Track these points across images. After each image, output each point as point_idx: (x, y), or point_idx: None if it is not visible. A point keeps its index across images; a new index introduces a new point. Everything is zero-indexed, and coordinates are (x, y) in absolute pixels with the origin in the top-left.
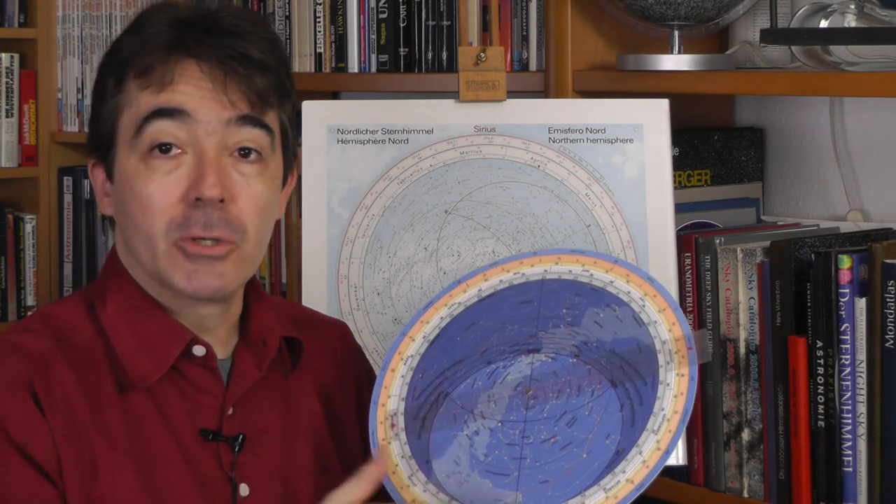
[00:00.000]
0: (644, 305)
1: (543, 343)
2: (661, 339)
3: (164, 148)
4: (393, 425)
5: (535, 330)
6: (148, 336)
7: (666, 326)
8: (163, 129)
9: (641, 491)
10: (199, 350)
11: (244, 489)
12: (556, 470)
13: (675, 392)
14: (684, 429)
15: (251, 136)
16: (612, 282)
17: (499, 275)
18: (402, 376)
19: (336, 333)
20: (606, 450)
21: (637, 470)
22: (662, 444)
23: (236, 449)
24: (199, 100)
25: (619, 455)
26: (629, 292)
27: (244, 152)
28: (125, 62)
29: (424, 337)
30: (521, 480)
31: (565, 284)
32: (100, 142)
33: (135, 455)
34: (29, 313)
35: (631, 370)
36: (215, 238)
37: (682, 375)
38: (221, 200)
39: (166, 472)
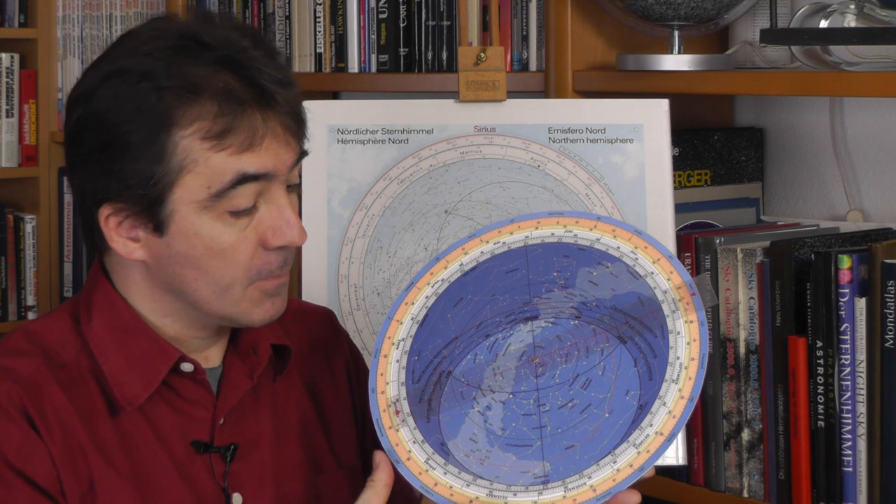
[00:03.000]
0: (637, 258)
1: (540, 309)
2: (661, 290)
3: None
4: (398, 412)
5: (528, 297)
6: (135, 355)
7: (664, 276)
8: (247, 193)
9: (672, 442)
10: (187, 367)
11: (237, 499)
12: (579, 433)
13: (687, 339)
14: (704, 374)
15: (298, 169)
16: (598, 239)
17: (478, 247)
18: (397, 361)
19: (322, 322)
20: (629, 406)
21: (664, 421)
22: (685, 392)
23: (228, 459)
24: (278, 155)
25: (643, 409)
26: (619, 247)
27: (291, 186)
28: (165, 114)
29: (412, 318)
30: (546, 449)
31: (550, 248)
32: (128, 194)
33: (130, 473)
34: (29, 314)
35: (637, 324)
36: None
37: (691, 322)
38: None
39: (162, 488)
